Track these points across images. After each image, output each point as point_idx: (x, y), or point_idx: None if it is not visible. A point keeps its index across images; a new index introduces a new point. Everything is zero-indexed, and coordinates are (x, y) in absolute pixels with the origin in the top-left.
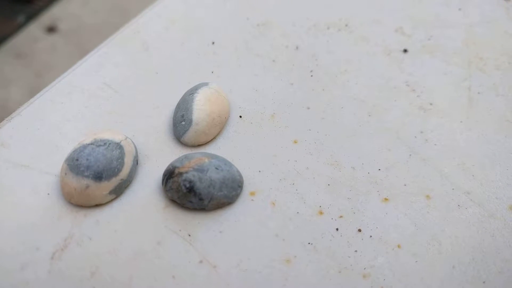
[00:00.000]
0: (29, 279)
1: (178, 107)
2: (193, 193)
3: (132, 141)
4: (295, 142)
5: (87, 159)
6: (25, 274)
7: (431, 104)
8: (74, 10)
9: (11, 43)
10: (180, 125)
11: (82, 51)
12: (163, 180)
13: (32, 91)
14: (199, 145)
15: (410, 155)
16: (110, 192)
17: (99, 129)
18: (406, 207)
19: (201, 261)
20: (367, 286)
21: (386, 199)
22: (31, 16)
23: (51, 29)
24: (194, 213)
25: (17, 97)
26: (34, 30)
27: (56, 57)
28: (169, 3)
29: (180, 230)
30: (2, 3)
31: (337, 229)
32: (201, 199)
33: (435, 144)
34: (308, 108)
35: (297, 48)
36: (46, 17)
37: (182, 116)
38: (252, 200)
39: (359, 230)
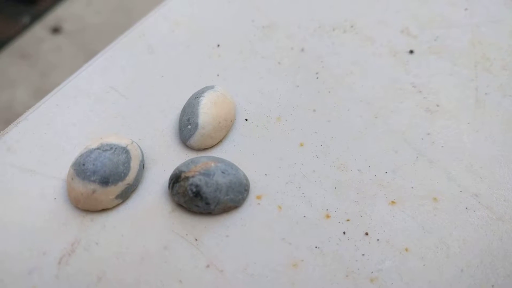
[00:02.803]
0: (36, 284)
1: (184, 110)
2: (200, 198)
3: (138, 145)
4: (301, 145)
5: (94, 164)
6: (32, 278)
7: (437, 105)
8: (78, 10)
9: (16, 44)
10: (186, 129)
11: (87, 52)
12: (169, 184)
13: (37, 92)
14: (205, 149)
15: (417, 157)
16: (117, 197)
17: (105, 133)
18: (413, 210)
19: (208, 266)
20: None
21: (393, 202)
22: (35, 17)
23: (55, 30)
24: (200, 217)
25: (23, 97)
26: (38, 30)
27: (61, 57)
28: (173, 5)
29: (186, 235)
30: (7, 4)
31: (344, 233)
32: (207, 203)
33: (442, 146)
34: (314, 111)
35: (302, 50)
36: (50, 18)
37: (188, 119)
38: (259, 204)
39: (366, 234)
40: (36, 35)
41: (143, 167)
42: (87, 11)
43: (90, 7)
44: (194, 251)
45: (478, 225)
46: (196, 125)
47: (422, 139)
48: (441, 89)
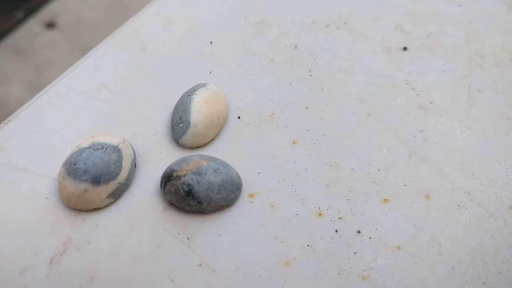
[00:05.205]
0: (28, 283)
1: (176, 109)
2: (192, 196)
3: (130, 144)
4: (294, 142)
5: (85, 163)
6: (24, 278)
7: (430, 102)
8: (73, 5)
9: (10, 39)
10: (178, 127)
11: (81, 47)
12: (161, 183)
13: (32, 87)
14: (197, 147)
15: (409, 154)
16: (109, 196)
17: (97, 131)
18: (405, 207)
19: (200, 264)
20: None
21: (385, 199)
22: (30, 12)
23: (50, 25)
24: (192, 216)
25: (17, 93)
26: (33, 25)
27: (55, 52)
28: (167, 2)
29: (179, 233)
30: None
31: (336, 231)
32: (199, 202)
33: (434, 144)
34: (307, 108)
35: (295, 47)
36: (45, 13)
37: (180, 118)
38: (251, 202)
39: (359, 232)
40: (31, 30)
41: (135, 166)
42: (81, 6)
43: (84, 2)
44: (186, 250)
45: (470, 222)
46: (188, 123)
47: (415, 136)
48: (434, 86)
